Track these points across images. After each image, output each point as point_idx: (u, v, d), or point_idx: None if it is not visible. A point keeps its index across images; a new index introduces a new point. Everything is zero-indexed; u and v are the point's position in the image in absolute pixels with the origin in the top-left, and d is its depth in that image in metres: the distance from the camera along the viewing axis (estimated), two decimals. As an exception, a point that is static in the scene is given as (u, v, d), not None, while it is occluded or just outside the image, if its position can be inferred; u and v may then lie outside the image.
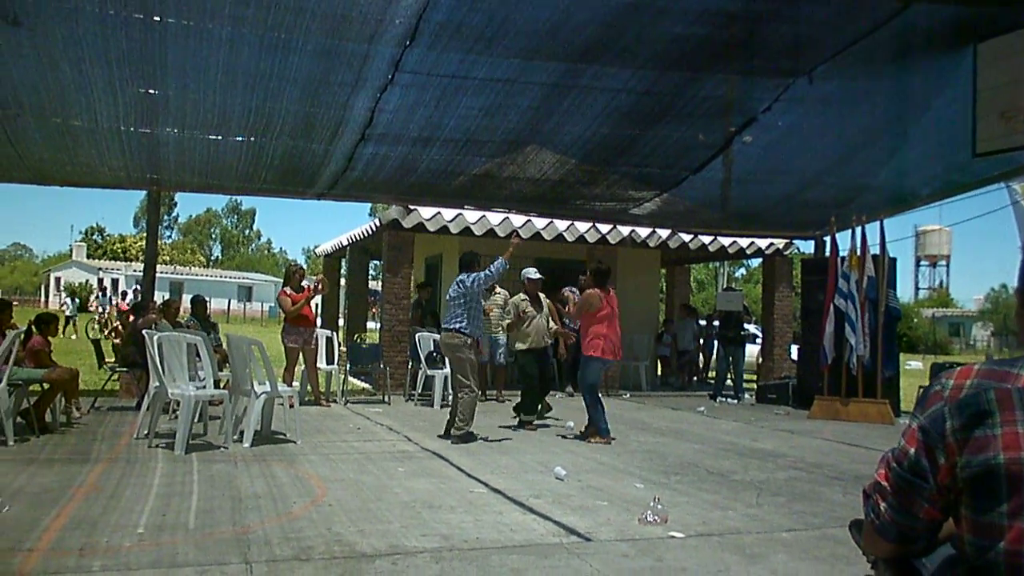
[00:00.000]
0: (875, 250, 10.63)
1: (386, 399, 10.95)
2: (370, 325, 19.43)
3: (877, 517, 1.57)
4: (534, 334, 8.95)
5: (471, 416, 7.59)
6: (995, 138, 7.25)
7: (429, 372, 10.59)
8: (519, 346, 9.10)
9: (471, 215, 12.27)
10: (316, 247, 22.64)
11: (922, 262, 72.21)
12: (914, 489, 1.49)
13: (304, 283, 10.27)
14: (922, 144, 9.33)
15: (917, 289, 71.34)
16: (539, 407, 9.02)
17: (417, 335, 11.00)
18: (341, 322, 18.43)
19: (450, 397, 10.65)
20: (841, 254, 10.71)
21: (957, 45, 7.42)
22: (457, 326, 7.63)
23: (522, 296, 9.18)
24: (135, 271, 44.66)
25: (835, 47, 7.22)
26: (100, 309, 23.56)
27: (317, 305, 12.77)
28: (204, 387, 7.24)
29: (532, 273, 9.17)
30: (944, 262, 72.87)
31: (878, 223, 10.71)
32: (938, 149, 9.24)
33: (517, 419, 8.78)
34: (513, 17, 6.40)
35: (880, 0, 6.54)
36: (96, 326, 22.09)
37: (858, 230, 10.53)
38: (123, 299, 25.63)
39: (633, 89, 7.73)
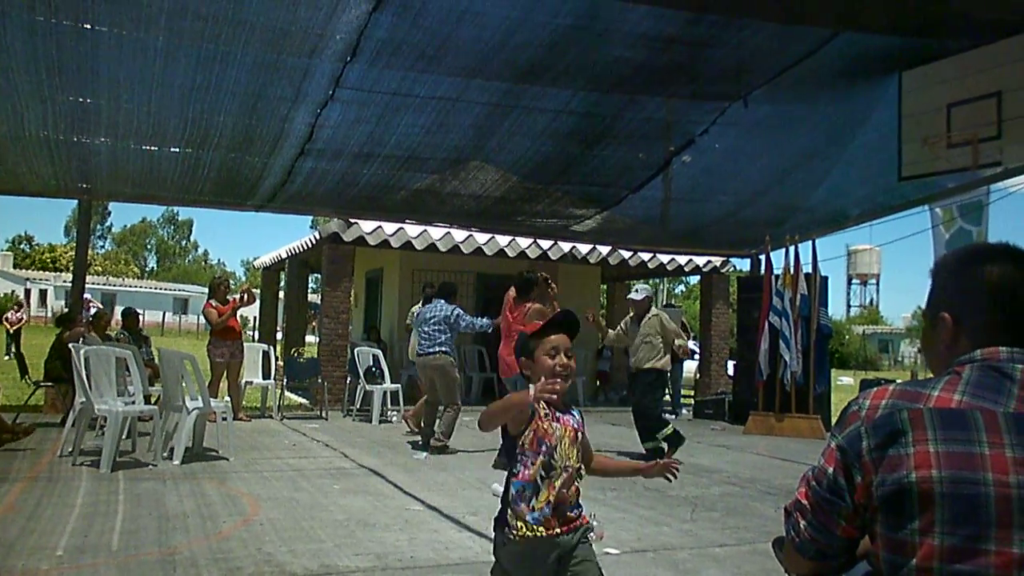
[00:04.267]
0: (808, 268, 10.92)
1: (323, 415, 10.80)
2: (309, 339, 19.12)
3: (797, 535, 1.60)
4: (636, 355, 8.22)
5: (452, 430, 8.03)
6: (918, 163, 7.53)
7: (368, 387, 10.48)
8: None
9: (412, 229, 12.21)
10: (255, 259, 22.18)
11: (853, 280, 74.17)
12: (832, 508, 1.52)
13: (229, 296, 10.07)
14: (852, 167, 9.63)
15: (849, 307, 73.30)
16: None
17: (356, 350, 10.89)
18: (279, 336, 18.10)
19: (390, 413, 10.64)
20: (775, 272, 10.95)
21: (883, 73, 7.70)
22: (441, 349, 8.10)
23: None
24: (64, 282, 43.24)
25: (769, 73, 7.44)
26: None
27: (255, 318, 12.52)
28: (133, 402, 7.05)
29: (635, 295, 8.53)
30: (874, 280, 74.93)
31: (811, 242, 11.00)
32: (867, 172, 9.54)
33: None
34: (455, 36, 6.42)
35: (812, 28, 6.76)
36: None
37: (791, 249, 10.79)
38: (17, 310, 24.08)
39: (574, 110, 7.83)
